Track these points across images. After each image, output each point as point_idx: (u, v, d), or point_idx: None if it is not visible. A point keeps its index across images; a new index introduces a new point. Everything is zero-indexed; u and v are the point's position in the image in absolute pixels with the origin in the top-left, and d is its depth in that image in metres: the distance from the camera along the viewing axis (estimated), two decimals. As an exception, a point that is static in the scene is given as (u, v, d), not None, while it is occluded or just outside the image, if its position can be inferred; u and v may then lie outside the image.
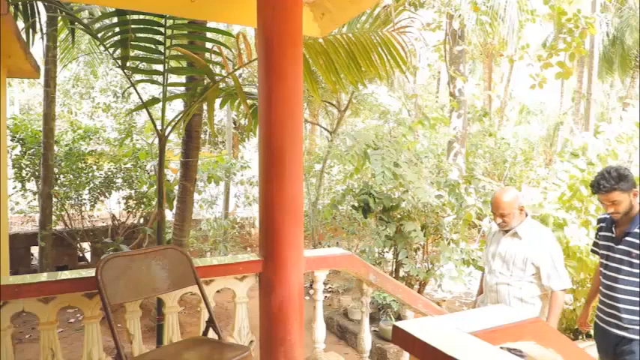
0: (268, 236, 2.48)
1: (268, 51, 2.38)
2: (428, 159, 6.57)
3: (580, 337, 4.30)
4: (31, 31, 3.56)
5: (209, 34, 4.26)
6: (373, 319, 4.58)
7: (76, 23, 3.45)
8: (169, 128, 3.44)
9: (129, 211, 6.27)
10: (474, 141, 9.30)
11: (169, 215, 4.67)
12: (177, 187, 4.68)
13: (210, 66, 3.46)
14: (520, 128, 16.23)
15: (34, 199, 6.03)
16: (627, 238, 2.48)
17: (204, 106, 4.06)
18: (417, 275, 4.75)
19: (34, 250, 5.95)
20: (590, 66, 11.78)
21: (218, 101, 4.06)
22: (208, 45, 3.91)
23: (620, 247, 2.51)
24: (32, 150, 5.67)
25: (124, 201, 6.29)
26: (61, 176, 5.89)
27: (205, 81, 3.67)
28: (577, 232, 4.05)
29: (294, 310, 2.47)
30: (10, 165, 5.48)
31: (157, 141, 3.48)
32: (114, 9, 3.26)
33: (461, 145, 7.89)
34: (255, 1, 2.44)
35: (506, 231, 2.84)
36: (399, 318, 4.59)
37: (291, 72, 2.40)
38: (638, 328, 2.44)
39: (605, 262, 2.64)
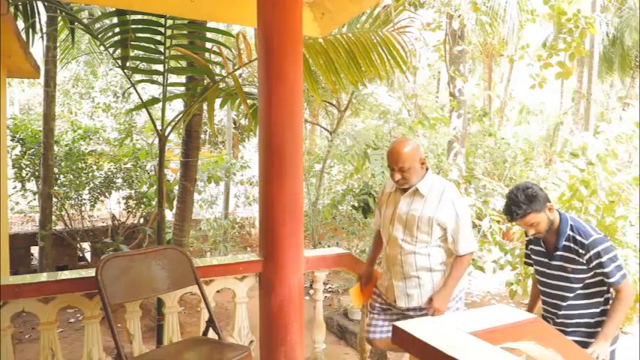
0: (268, 236, 2.48)
1: (268, 51, 2.38)
2: (428, 159, 6.57)
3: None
4: (31, 31, 3.56)
5: (209, 34, 4.26)
6: (373, 319, 4.58)
7: (76, 23, 3.45)
8: (169, 128, 3.44)
9: (129, 211, 6.27)
10: (473, 141, 9.29)
11: (169, 215, 4.66)
12: (177, 187, 4.68)
13: (210, 66, 3.46)
14: (520, 128, 16.22)
15: (34, 199, 6.03)
16: (558, 253, 2.36)
17: (204, 106, 4.06)
18: (417, 275, 4.74)
19: (34, 250, 5.95)
20: (590, 66, 11.78)
21: (218, 101, 4.06)
22: (208, 45, 3.92)
23: (554, 262, 2.39)
24: (32, 150, 5.67)
25: (124, 201, 6.29)
26: (61, 176, 5.89)
27: (205, 81, 3.68)
28: (577, 232, 4.04)
29: (294, 310, 2.48)
30: (10, 165, 5.47)
31: (157, 141, 3.49)
32: (114, 9, 3.26)
33: (461, 145, 7.88)
34: (255, 1, 2.44)
35: (405, 190, 2.41)
36: (399, 318, 4.59)
37: (291, 72, 2.40)
38: (587, 341, 2.32)
39: (541, 278, 2.50)
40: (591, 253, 2.22)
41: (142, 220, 6.29)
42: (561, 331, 2.35)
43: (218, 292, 2.56)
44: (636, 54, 13.52)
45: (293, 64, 2.41)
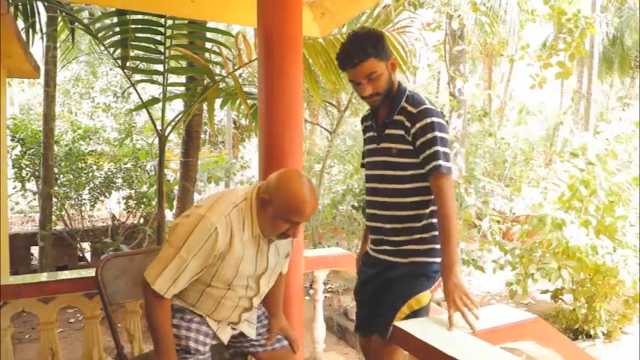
0: (268, 236, 2.48)
1: (268, 51, 2.38)
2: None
3: (580, 337, 4.30)
4: (31, 31, 3.57)
5: (209, 34, 4.27)
6: (373, 319, 4.57)
7: (76, 23, 3.45)
8: (169, 128, 3.44)
9: (129, 211, 6.27)
10: (473, 141, 9.29)
11: (169, 215, 4.67)
12: (177, 187, 4.68)
13: (210, 66, 3.46)
14: (520, 128, 16.24)
15: (34, 199, 6.03)
16: (387, 131, 1.78)
17: (204, 106, 4.06)
18: (417, 275, 4.75)
19: (34, 250, 5.95)
20: (590, 66, 11.79)
21: (218, 101, 4.06)
22: (208, 45, 3.92)
23: (381, 145, 1.81)
24: (32, 150, 5.68)
25: (124, 201, 6.30)
26: (61, 176, 5.89)
27: (205, 81, 3.68)
28: (576, 232, 4.05)
29: (293, 310, 2.47)
30: (10, 165, 5.48)
31: (157, 141, 3.49)
32: (114, 9, 3.26)
33: (461, 145, 7.89)
34: (255, 1, 2.44)
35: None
36: (399, 318, 4.59)
37: (291, 72, 2.40)
38: (413, 250, 1.80)
39: (367, 171, 1.93)
40: (419, 125, 1.67)
41: (142, 220, 6.29)
42: (384, 241, 1.85)
43: (218, 292, 2.56)
44: (636, 54, 13.52)
45: (293, 64, 2.41)
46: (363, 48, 1.67)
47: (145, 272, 1.59)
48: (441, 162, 1.64)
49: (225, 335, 1.79)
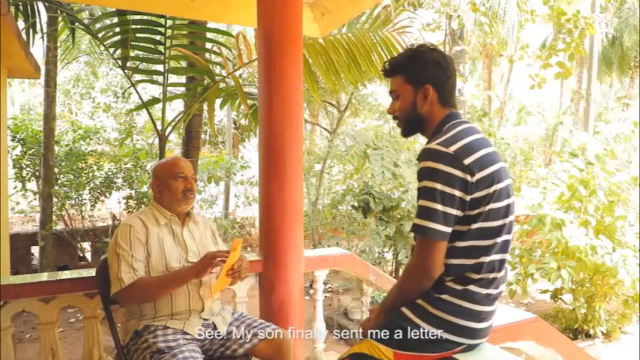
0: (268, 236, 2.49)
1: (268, 51, 2.39)
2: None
3: (579, 336, 4.31)
4: (31, 31, 3.57)
5: (209, 35, 4.27)
6: (373, 319, 4.58)
7: (77, 23, 3.46)
8: (169, 128, 3.45)
9: (129, 211, 6.27)
10: (473, 141, 9.28)
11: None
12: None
13: (211, 66, 3.47)
14: (519, 128, 16.23)
15: (35, 199, 6.03)
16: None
17: (205, 106, 4.07)
18: (417, 275, 4.75)
19: (35, 250, 5.96)
20: (590, 66, 11.79)
21: (218, 101, 4.07)
22: (208, 45, 3.93)
23: None
24: (33, 150, 5.68)
25: (125, 201, 6.30)
26: (62, 176, 5.89)
27: (205, 81, 3.69)
28: (576, 232, 4.06)
29: (294, 309, 2.48)
30: (10, 165, 5.48)
31: (157, 141, 3.50)
32: (114, 9, 3.27)
33: (461, 145, 7.89)
34: (255, 1, 2.45)
35: (182, 217, 1.98)
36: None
37: (291, 72, 2.41)
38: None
39: None
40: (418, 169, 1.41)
41: (142, 220, 6.29)
42: None
43: (218, 291, 2.57)
44: (635, 54, 13.54)
45: (293, 64, 2.41)
46: (396, 62, 1.52)
47: (111, 292, 1.77)
48: (416, 221, 1.36)
49: (193, 329, 1.82)
